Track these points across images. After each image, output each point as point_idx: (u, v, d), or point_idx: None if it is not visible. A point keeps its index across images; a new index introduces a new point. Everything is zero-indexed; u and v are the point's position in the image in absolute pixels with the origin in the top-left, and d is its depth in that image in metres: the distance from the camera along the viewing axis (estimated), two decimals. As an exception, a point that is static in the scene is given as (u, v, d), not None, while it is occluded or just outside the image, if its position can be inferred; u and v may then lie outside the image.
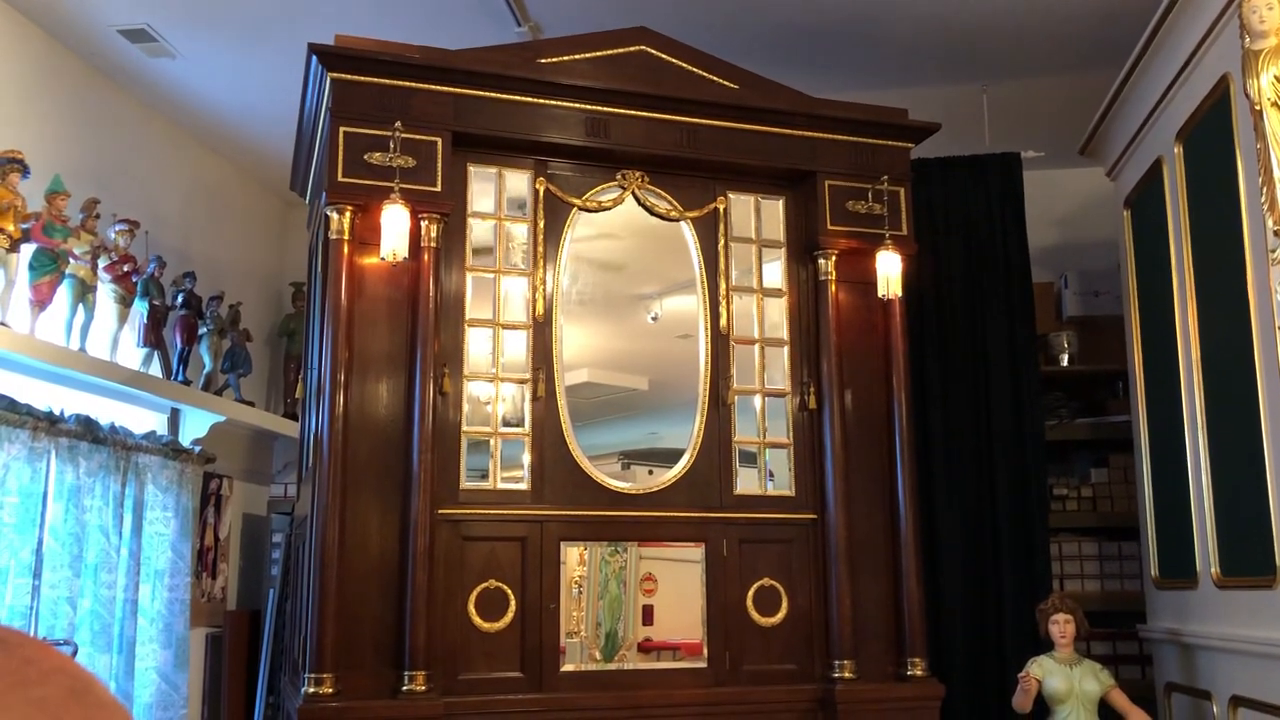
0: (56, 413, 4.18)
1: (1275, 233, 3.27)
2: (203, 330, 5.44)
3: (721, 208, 4.13)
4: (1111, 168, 4.99)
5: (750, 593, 3.89)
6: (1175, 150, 4.13)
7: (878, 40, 4.83)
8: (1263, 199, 3.32)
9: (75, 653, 3.97)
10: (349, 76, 3.65)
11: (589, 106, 3.91)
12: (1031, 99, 5.34)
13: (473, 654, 3.58)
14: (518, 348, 3.84)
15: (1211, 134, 3.78)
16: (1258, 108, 3.30)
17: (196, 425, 5.32)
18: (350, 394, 3.53)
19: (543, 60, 3.95)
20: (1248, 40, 3.34)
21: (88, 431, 4.32)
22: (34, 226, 4.17)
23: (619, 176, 4.03)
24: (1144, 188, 4.55)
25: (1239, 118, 3.51)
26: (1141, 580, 4.89)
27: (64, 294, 4.34)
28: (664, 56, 4.09)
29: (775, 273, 4.18)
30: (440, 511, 3.58)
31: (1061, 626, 4.11)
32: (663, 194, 4.08)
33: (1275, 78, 3.27)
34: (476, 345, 3.80)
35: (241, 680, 5.63)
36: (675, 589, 3.86)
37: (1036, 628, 4.25)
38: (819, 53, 4.91)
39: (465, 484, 3.69)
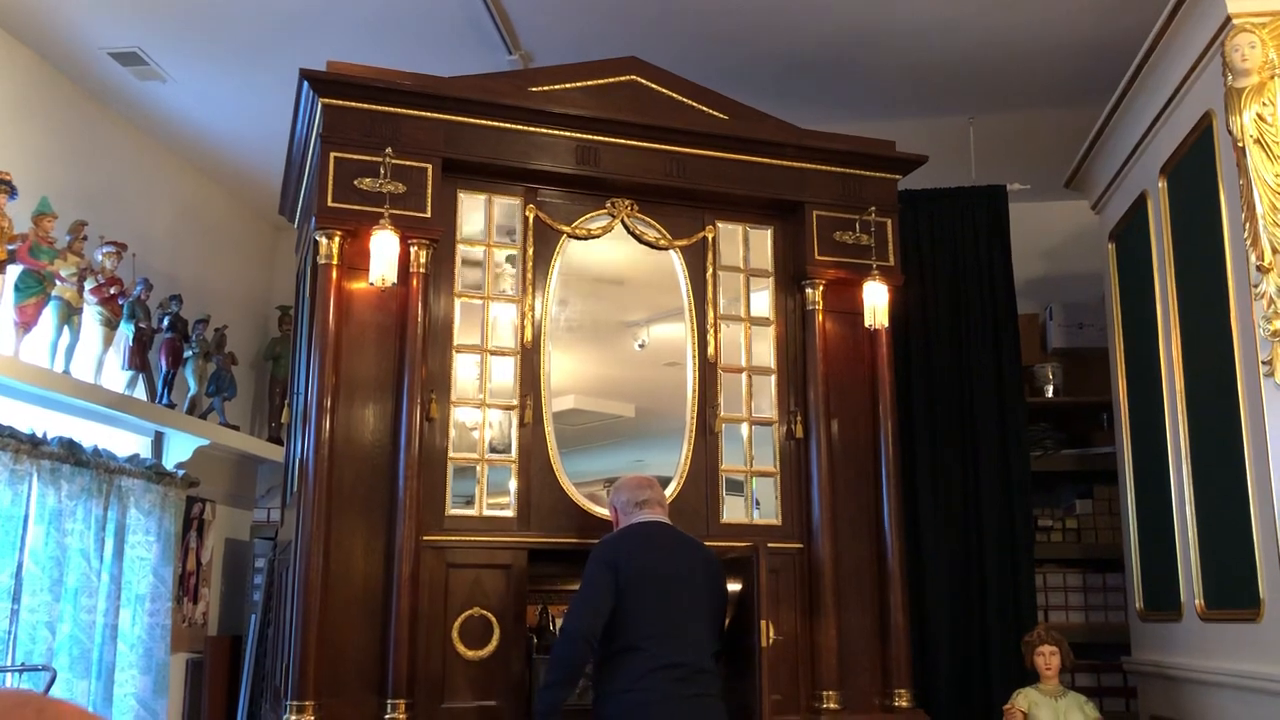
0: (39, 435, 4.15)
1: (1258, 267, 3.30)
2: (188, 353, 5.42)
3: (710, 237, 4.15)
4: (1096, 201, 5.04)
5: (736, 622, 3.87)
6: (1159, 185, 4.17)
7: (866, 72, 4.88)
8: (1245, 234, 3.35)
9: (54, 678, 3.92)
10: (340, 102, 3.67)
11: (579, 135, 3.93)
12: (1018, 132, 5.40)
13: (456, 682, 3.55)
14: (505, 374, 3.84)
15: (1195, 169, 3.82)
16: (1240, 144, 3.34)
17: (180, 449, 5.29)
18: (336, 419, 3.52)
19: (534, 89, 3.97)
20: (1230, 78, 3.39)
21: (70, 454, 4.29)
22: (20, 248, 4.16)
23: (608, 204, 4.05)
24: (1128, 221, 4.59)
25: (1221, 154, 3.55)
26: (1126, 612, 4.89)
27: (49, 316, 4.32)
28: (654, 86, 4.12)
29: (763, 302, 4.20)
30: (425, 538, 3.57)
31: (1047, 658, 4.10)
32: (652, 222, 4.10)
33: (1257, 115, 3.31)
34: (464, 371, 3.80)
35: (221, 707, 5.57)
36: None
37: (1022, 659, 4.25)
38: (808, 84, 4.95)
39: (451, 510, 3.68)
